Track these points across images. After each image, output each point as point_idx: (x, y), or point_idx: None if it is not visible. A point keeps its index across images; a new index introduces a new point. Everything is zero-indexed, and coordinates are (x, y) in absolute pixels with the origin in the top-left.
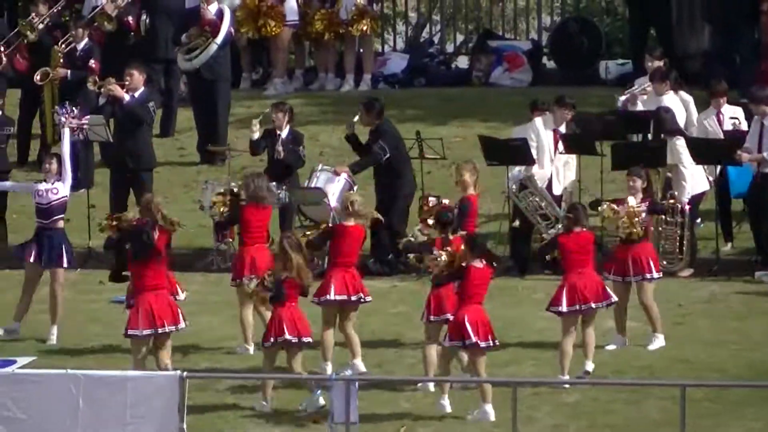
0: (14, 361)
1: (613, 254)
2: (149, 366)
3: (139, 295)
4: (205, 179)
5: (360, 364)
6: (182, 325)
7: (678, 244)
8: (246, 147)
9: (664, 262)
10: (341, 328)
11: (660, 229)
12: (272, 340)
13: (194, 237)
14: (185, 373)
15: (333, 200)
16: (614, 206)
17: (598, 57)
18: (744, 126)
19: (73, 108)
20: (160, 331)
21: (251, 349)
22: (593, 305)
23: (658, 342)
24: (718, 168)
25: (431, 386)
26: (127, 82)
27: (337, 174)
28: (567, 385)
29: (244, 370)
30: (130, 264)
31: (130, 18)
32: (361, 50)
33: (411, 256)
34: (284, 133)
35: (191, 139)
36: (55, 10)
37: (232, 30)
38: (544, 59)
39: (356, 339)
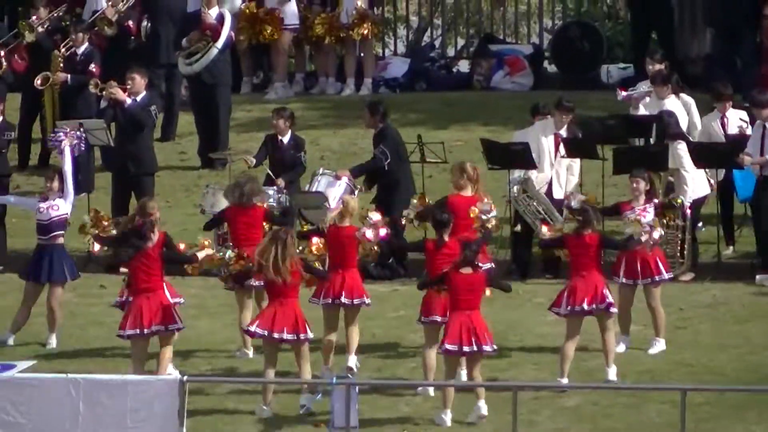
0: (14, 366)
1: (621, 257)
2: (149, 367)
3: (134, 297)
4: (206, 183)
5: (352, 361)
6: (178, 325)
7: (679, 248)
8: (244, 152)
9: None
10: (345, 328)
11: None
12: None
13: (194, 240)
14: (185, 377)
15: (334, 204)
16: (639, 217)
17: (599, 61)
18: (750, 130)
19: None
20: (146, 332)
21: (250, 353)
22: (591, 307)
23: (659, 346)
24: (722, 171)
25: (431, 391)
26: (128, 86)
27: (338, 178)
28: (567, 389)
29: (245, 374)
30: (127, 265)
31: (130, 22)
32: (362, 54)
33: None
34: (286, 139)
35: (192, 144)
36: (55, 14)
37: (233, 34)
38: (546, 63)
39: (355, 337)
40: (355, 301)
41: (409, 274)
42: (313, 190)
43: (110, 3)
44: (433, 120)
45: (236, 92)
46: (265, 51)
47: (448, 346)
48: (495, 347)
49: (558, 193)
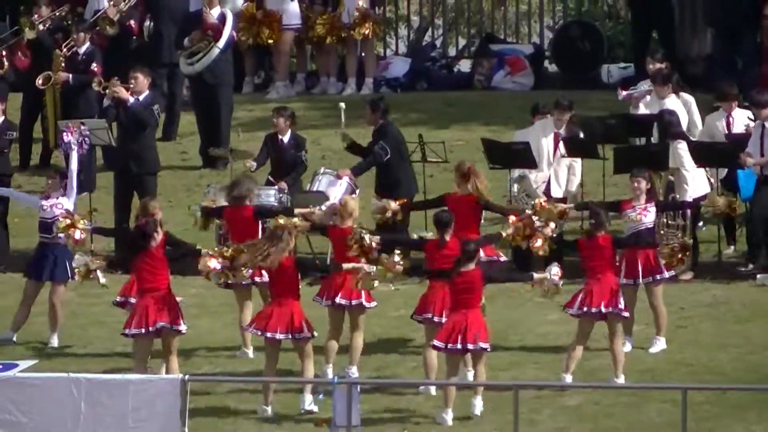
0: (16, 365)
1: (621, 257)
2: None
3: (140, 297)
4: (208, 183)
5: (352, 370)
6: (182, 327)
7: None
8: (247, 148)
9: None
10: (350, 333)
11: (662, 232)
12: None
13: (195, 241)
14: (187, 377)
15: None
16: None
17: (600, 60)
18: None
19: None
20: (151, 329)
21: (250, 352)
22: (604, 310)
23: (660, 345)
24: (725, 171)
25: (432, 390)
26: (131, 85)
27: (339, 177)
28: (568, 389)
29: (246, 373)
30: (131, 265)
31: (132, 22)
32: (363, 54)
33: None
34: (286, 138)
35: (193, 143)
36: (57, 13)
37: (234, 34)
38: (546, 63)
39: (358, 346)
40: (354, 302)
41: (410, 274)
42: (314, 189)
43: (112, 2)
44: (434, 120)
45: (238, 92)
46: (267, 51)
47: (436, 343)
48: (486, 346)
49: (556, 192)
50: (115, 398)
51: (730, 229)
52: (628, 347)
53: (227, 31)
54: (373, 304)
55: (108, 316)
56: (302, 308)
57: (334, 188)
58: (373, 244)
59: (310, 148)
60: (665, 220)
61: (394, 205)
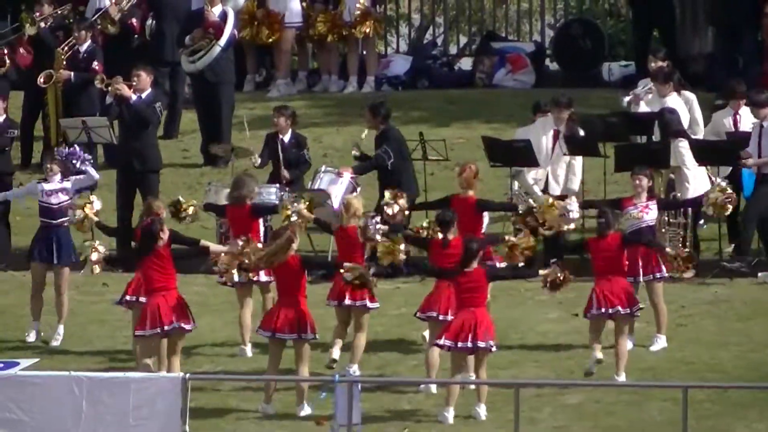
0: (17, 363)
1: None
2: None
3: (149, 297)
4: (209, 181)
5: (353, 369)
6: (191, 325)
7: (681, 245)
8: (248, 145)
9: None
10: (354, 332)
11: (663, 230)
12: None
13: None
14: (188, 375)
15: (336, 202)
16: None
17: (601, 59)
18: None
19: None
20: (166, 329)
21: (248, 350)
22: (621, 310)
23: (660, 343)
24: (729, 169)
25: (434, 388)
26: (134, 83)
27: (340, 175)
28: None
29: (247, 372)
30: (137, 265)
31: (134, 20)
32: (364, 52)
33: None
34: (287, 137)
35: (195, 141)
36: (59, 12)
37: (236, 32)
38: (547, 61)
39: (360, 345)
40: (358, 303)
41: (411, 272)
42: (316, 187)
43: (114, 1)
44: (435, 117)
45: (239, 90)
46: (268, 49)
47: (444, 341)
48: (494, 345)
49: (554, 190)
50: (116, 397)
51: (734, 228)
52: (629, 345)
53: (228, 29)
54: (377, 304)
55: (109, 315)
56: (308, 308)
57: (336, 186)
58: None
59: (312, 147)
60: (666, 218)
61: (397, 207)
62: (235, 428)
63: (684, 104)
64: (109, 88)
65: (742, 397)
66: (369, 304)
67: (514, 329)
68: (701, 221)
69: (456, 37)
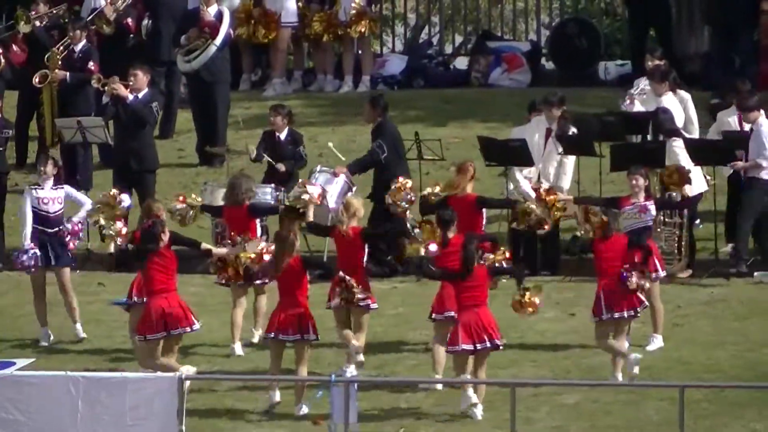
0: (13, 363)
1: None
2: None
3: (150, 298)
4: (204, 180)
5: (352, 371)
6: (196, 326)
7: (677, 245)
8: (243, 147)
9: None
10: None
11: (659, 230)
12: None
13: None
14: (185, 375)
15: (332, 201)
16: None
17: (597, 58)
18: None
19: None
20: (173, 333)
21: (237, 347)
22: (625, 314)
23: (657, 343)
24: (720, 168)
25: (437, 384)
26: (131, 83)
27: (335, 175)
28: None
29: (244, 372)
30: (139, 268)
31: (129, 20)
32: (360, 52)
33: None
34: (283, 135)
35: (190, 141)
36: (54, 11)
37: (231, 32)
38: (543, 60)
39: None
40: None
41: (408, 272)
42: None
43: (109, 1)
44: (430, 117)
45: (235, 89)
46: (264, 48)
47: (465, 347)
48: (500, 343)
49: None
50: (112, 397)
51: (732, 227)
52: (625, 345)
53: (224, 28)
54: (375, 305)
55: (105, 315)
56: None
57: (331, 186)
58: (359, 295)
59: (307, 146)
60: (662, 217)
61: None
62: (231, 427)
63: (679, 103)
64: (106, 88)
65: (738, 396)
66: (371, 304)
67: (512, 329)
68: (697, 221)
69: (452, 37)
